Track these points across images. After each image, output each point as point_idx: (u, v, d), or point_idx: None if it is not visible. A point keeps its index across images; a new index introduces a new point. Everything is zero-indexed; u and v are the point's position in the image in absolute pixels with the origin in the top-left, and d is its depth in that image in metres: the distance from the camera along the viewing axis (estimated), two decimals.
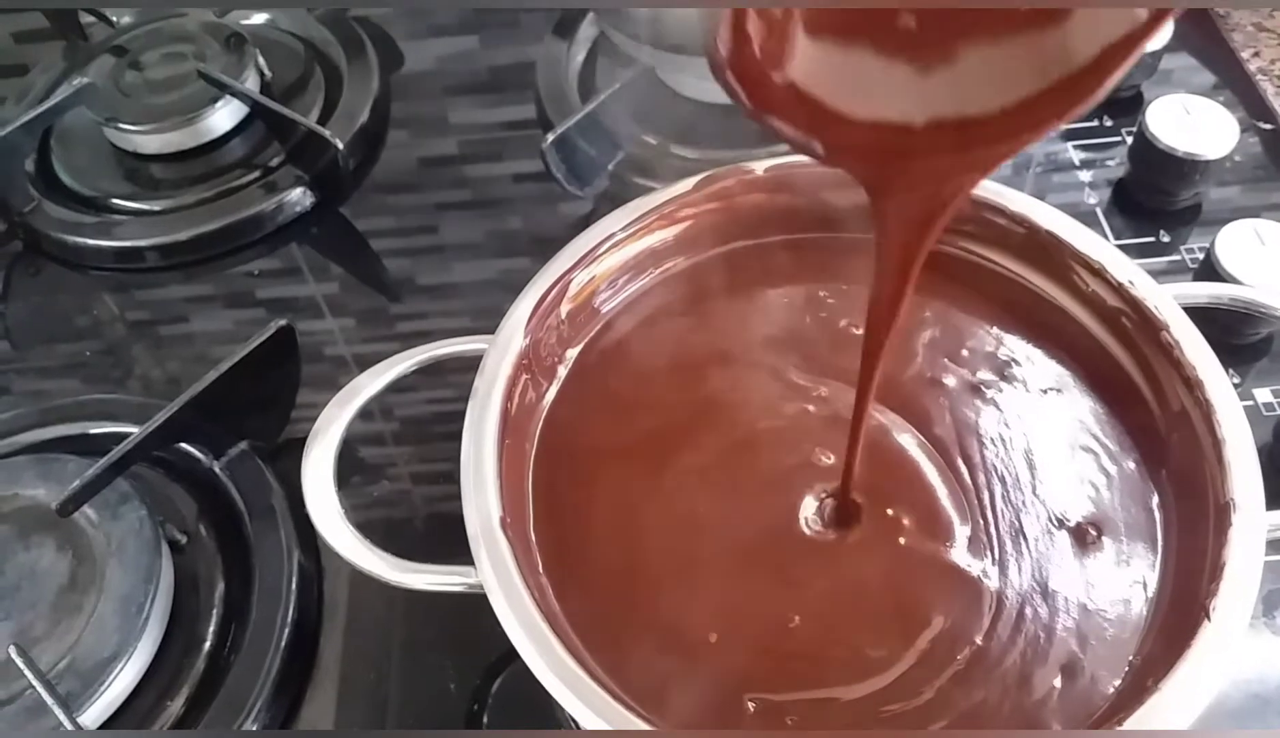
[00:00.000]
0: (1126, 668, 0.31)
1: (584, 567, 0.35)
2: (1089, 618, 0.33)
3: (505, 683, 0.40)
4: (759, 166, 0.41)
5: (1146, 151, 0.53)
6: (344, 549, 0.33)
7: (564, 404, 0.39)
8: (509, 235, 0.56)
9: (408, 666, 0.42)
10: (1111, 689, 0.31)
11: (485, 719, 0.40)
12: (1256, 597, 0.30)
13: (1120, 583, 0.34)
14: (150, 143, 0.59)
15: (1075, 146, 0.58)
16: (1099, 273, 0.38)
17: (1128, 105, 0.58)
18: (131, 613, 0.40)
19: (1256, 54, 0.62)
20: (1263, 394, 0.47)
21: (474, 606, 0.41)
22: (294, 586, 0.42)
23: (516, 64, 0.65)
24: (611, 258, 0.40)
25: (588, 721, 0.28)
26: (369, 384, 0.37)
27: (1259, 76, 0.60)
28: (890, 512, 0.36)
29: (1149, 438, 0.36)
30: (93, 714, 0.38)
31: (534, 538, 0.35)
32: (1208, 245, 0.49)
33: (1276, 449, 0.44)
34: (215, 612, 0.42)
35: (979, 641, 0.33)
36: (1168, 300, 0.36)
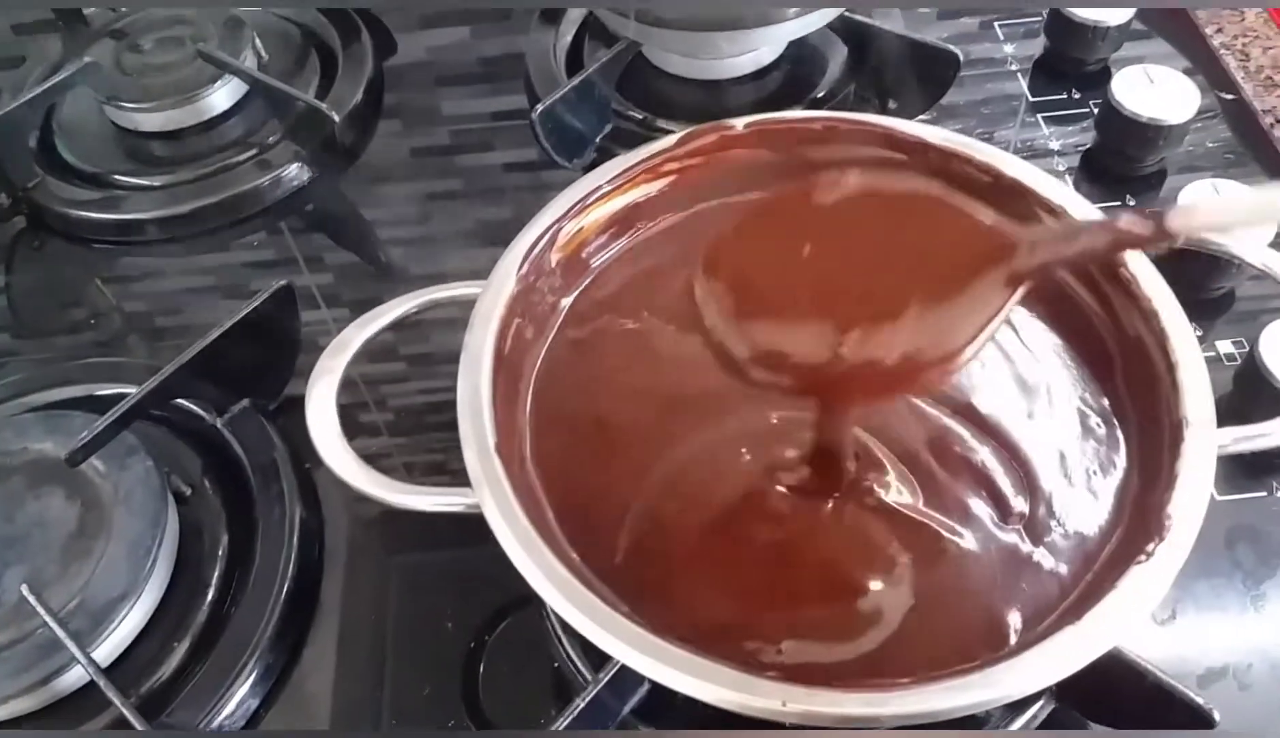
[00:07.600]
0: (1095, 567, 0.33)
1: (576, 495, 0.36)
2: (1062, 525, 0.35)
3: (503, 626, 0.42)
4: (739, 123, 0.43)
5: (1112, 119, 0.55)
6: (347, 474, 0.34)
7: (558, 352, 0.41)
8: (499, 225, 0.56)
9: (407, 612, 0.43)
10: (1078, 587, 0.32)
11: (483, 659, 0.41)
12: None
13: (1087, 497, 0.36)
14: (150, 121, 0.61)
15: (1045, 118, 0.60)
16: (1060, 216, 0.40)
17: (1095, 78, 0.60)
18: (139, 556, 0.41)
19: (1219, 30, 0.65)
20: (1224, 346, 0.49)
21: (471, 555, 0.43)
22: (295, 538, 0.43)
23: (507, 55, 0.66)
24: (599, 210, 0.42)
25: (575, 620, 0.30)
26: (372, 322, 0.39)
27: (1222, 51, 0.62)
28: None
29: (1108, 367, 0.38)
30: (104, 651, 0.40)
31: (532, 471, 0.36)
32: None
33: (1236, 396, 0.46)
34: (219, 561, 0.43)
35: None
36: None
